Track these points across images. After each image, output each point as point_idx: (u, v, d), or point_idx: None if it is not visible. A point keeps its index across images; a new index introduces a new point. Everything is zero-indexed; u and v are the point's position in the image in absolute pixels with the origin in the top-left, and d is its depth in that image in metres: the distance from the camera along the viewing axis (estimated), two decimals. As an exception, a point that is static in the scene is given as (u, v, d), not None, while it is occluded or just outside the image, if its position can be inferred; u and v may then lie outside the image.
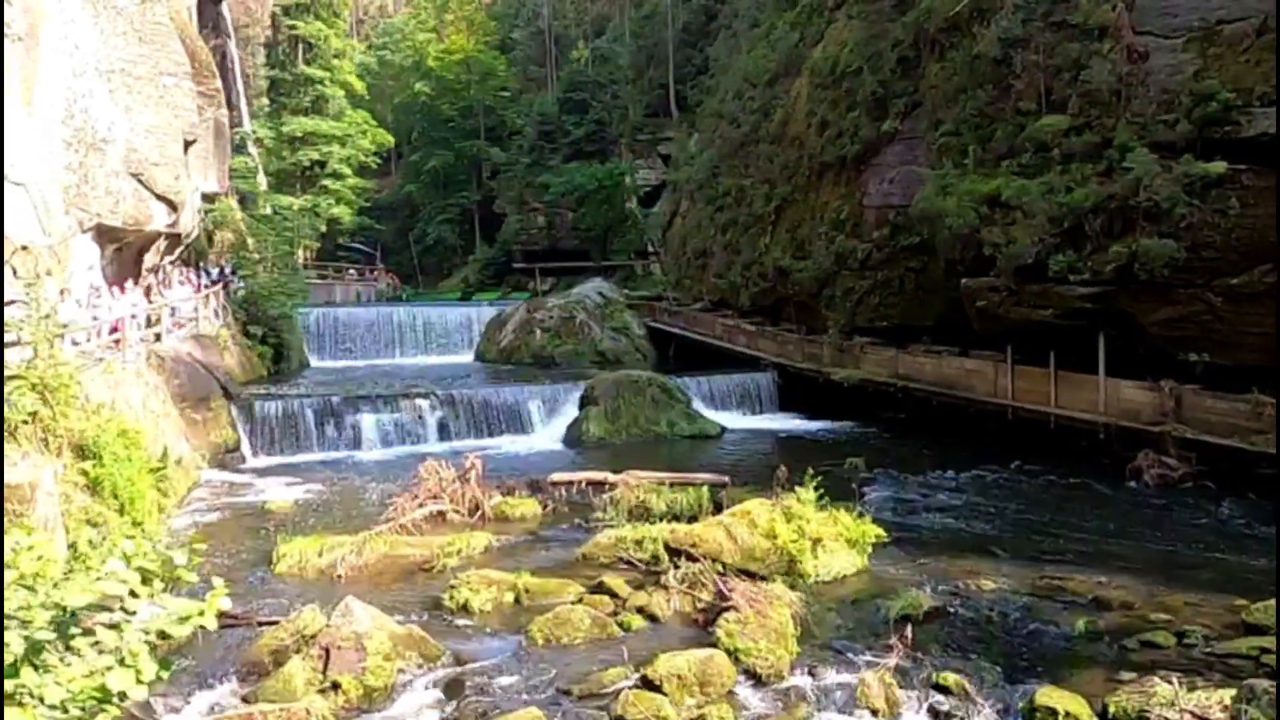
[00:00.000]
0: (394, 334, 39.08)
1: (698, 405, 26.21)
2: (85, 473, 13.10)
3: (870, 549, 12.05)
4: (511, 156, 69.11)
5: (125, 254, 21.11)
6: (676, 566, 11.02)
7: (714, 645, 9.23)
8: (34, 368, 12.83)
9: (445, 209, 71.44)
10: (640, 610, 10.45)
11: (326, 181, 50.24)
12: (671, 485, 15.42)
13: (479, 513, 15.40)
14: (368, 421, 23.09)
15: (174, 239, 24.17)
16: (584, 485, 15.92)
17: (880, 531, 12.00)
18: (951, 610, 10.48)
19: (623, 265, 56.64)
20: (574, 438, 23.45)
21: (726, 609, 9.84)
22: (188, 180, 22.40)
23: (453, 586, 11.09)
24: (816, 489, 12.73)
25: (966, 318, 23.33)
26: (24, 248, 16.31)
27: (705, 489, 15.48)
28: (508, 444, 23.61)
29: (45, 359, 13.03)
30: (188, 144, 22.49)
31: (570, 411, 25.06)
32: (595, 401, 23.97)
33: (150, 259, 22.84)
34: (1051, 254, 19.16)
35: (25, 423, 12.44)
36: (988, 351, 22.49)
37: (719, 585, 10.14)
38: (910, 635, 8.65)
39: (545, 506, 15.75)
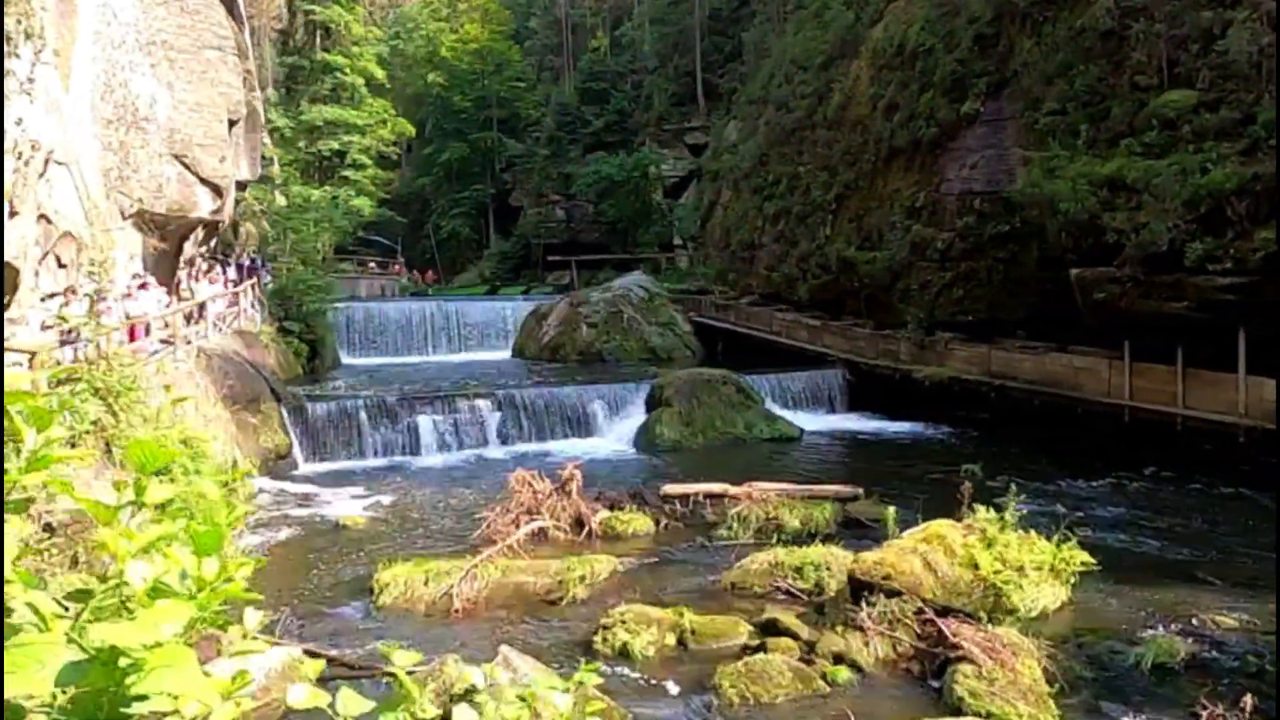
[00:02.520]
0: (426, 330, 37.35)
1: (768, 405, 24.54)
2: (153, 489, 11.39)
3: (1074, 578, 10.38)
4: (529, 148, 67.55)
5: (167, 243, 19.37)
6: (869, 604, 9.34)
7: (958, 711, 7.57)
8: (95, 368, 11.13)
9: (459, 202, 70.02)
10: (839, 658, 8.78)
11: (347, 172, 48.38)
12: (801, 498, 13.76)
13: (585, 530, 13.74)
14: (424, 424, 21.40)
15: (211, 228, 22.45)
16: (702, 498, 14.24)
17: (1087, 558, 10.32)
18: (1209, 657, 8.84)
19: (648, 258, 54.80)
20: (647, 441, 21.77)
21: (956, 659, 8.18)
22: (232, 163, 20.68)
23: (606, 627, 9.41)
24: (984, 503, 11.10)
25: (1063, 311, 21.69)
26: (69, 234, 14.59)
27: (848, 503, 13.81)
28: (572, 447, 21.92)
29: (108, 357, 11.34)
30: (232, 123, 20.77)
31: (636, 412, 23.39)
32: (668, 402, 22.28)
33: (189, 250, 21.13)
34: (1187, 241, 17.54)
35: (87, 433, 10.75)
36: (1094, 347, 20.87)
37: (941, 628, 8.47)
38: (1249, 704, 6.98)
39: (658, 522, 14.06)
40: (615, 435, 22.74)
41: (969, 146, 25.11)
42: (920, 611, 9.05)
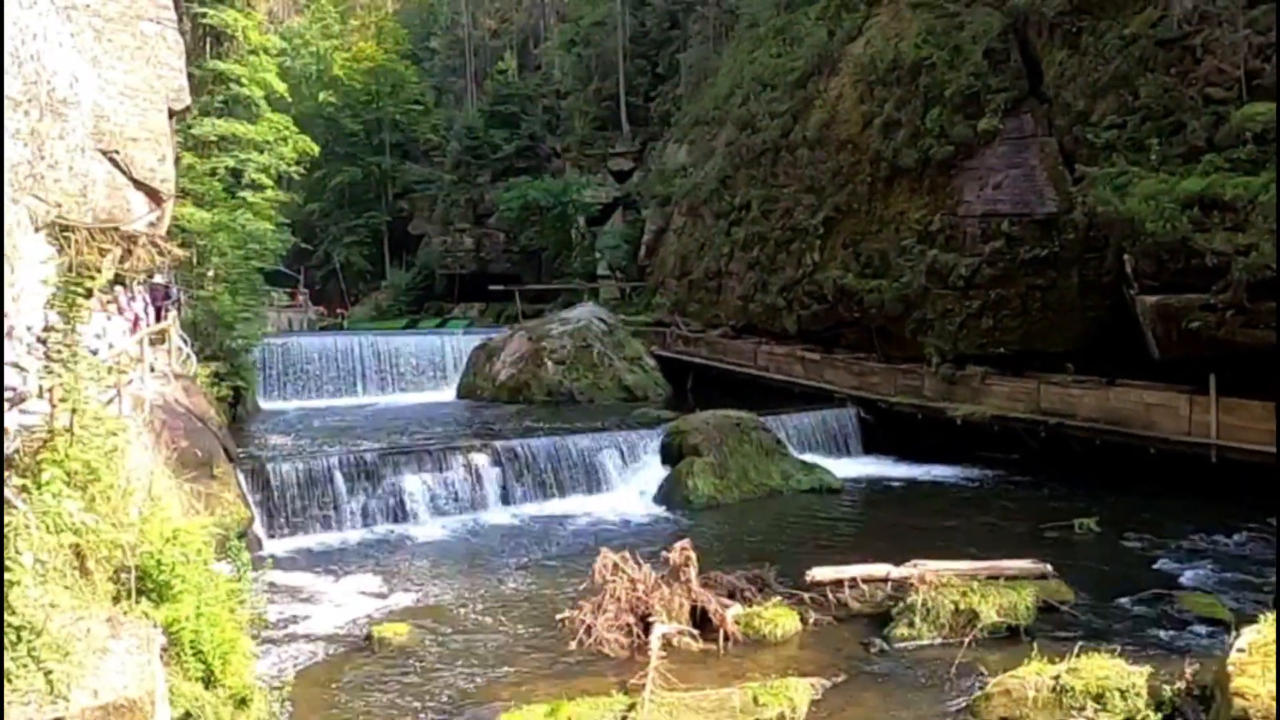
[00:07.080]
0: (353, 368, 32.97)
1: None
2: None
3: None
4: (432, 174, 63.66)
5: (96, 262, 15.03)
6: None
7: None
8: (69, 442, 7.24)
9: (353, 230, 65.30)
10: None
11: (244, 193, 43.15)
12: (984, 580, 10.96)
13: (720, 633, 10.52)
14: (412, 485, 17.63)
15: (130, 243, 18.02)
16: (859, 582, 11.22)
17: None
18: None
19: (571, 289, 51.43)
20: (677, 496, 18.59)
21: None
22: (173, 163, 16.49)
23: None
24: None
25: (1119, 341, 20.01)
26: (-21, 245, 10.42)
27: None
28: (586, 506, 18.65)
29: (83, 425, 7.47)
30: (173, 114, 16.62)
31: (650, 462, 20.24)
32: (696, 451, 19.21)
33: (107, 270, 16.70)
34: (1300, 264, 15.93)
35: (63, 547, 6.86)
36: (1156, 381, 19.15)
37: None
38: None
39: (803, 618, 10.97)
40: (631, 490, 19.52)
41: (990, 165, 23.34)
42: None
